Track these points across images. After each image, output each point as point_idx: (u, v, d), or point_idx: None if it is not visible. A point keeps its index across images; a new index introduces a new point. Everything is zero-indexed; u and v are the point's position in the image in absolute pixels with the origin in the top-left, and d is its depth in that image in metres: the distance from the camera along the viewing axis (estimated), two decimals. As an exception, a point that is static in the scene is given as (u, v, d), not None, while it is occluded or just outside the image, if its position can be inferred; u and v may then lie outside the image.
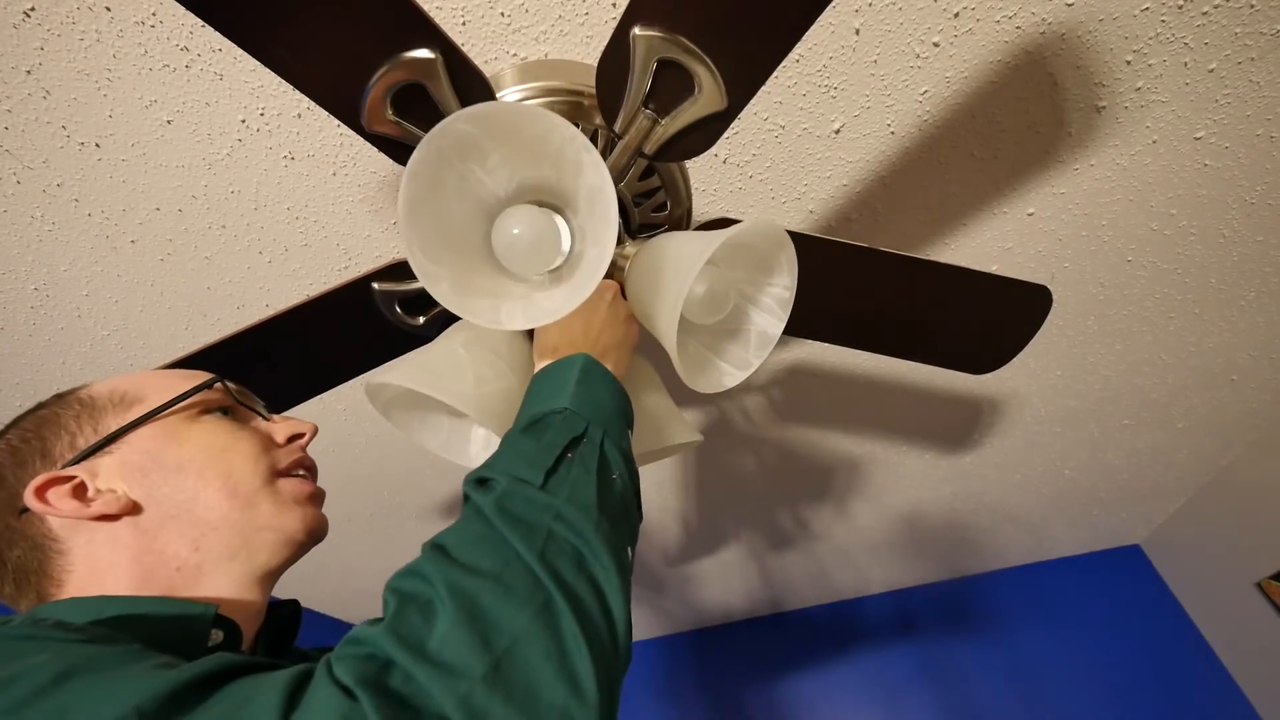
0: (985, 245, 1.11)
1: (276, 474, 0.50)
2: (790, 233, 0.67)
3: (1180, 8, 0.79)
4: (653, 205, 0.69)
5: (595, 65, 0.53)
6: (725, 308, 0.61)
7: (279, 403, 0.78)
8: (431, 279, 0.46)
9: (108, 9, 0.72)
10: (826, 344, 0.81)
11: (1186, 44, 0.83)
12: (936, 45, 0.82)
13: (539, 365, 0.56)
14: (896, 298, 0.75)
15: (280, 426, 0.54)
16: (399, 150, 0.55)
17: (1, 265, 0.96)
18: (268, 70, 0.48)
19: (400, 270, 0.69)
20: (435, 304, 0.72)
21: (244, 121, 0.83)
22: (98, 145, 0.84)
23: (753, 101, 0.59)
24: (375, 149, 0.55)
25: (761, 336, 0.63)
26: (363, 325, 0.72)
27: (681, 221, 0.72)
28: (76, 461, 0.45)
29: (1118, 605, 2.28)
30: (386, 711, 0.27)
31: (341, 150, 0.87)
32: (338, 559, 1.85)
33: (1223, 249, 1.15)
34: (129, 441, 0.46)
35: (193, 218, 0.94)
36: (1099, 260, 1.16)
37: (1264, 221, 1.10)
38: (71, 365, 1.13)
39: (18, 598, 0.44)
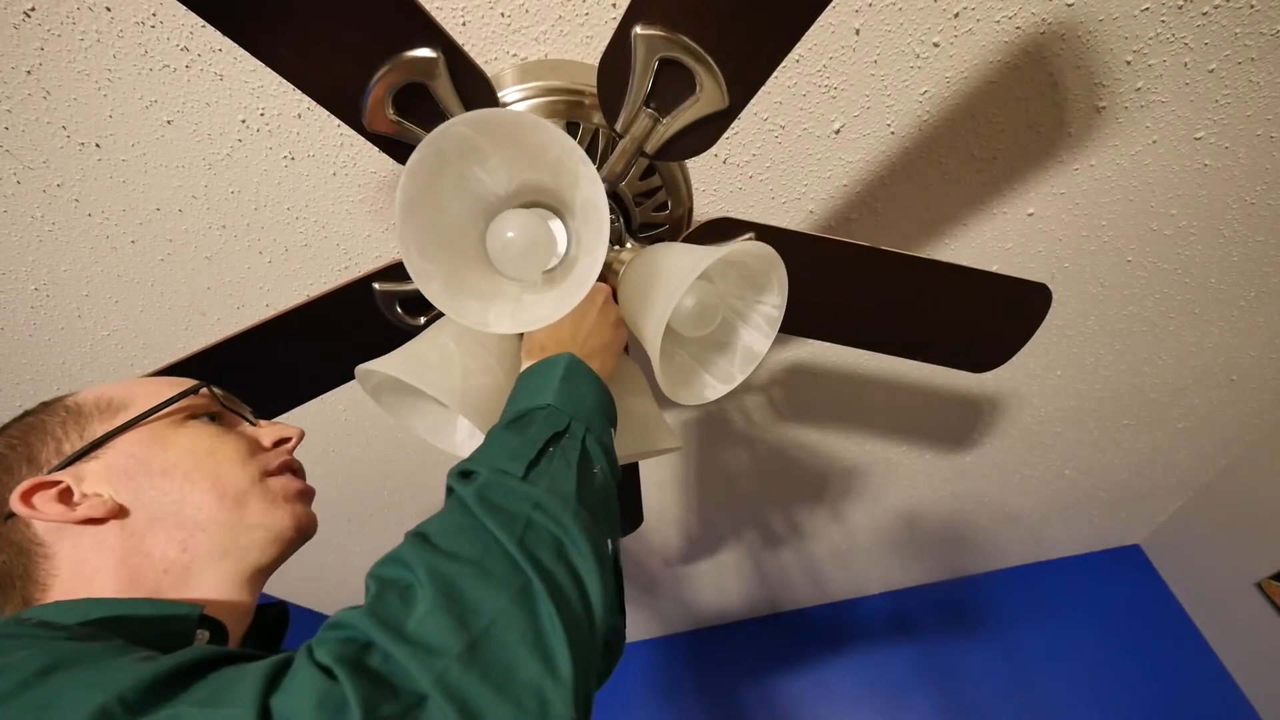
0: (985, 245, 1.11)
1: (265, 474, 0.51)
2: (791, 232, 0.67)
3: (1180, 8, 0.79)
4: (653, 205, 0.69)
5: (596, 65, 0.53)
6: (713, 322, 0.62)
7: (279, 403, 0.78)
8: (424, 277, 0.47)
9: (108, 9, 0.72)
10: (826, 343, 0.81)
11: (1186, 44, 0.83)
12: (936, 45, 0.82)
13: (526, 363, 0.57)
14: (896, 297, 0.75)
15: (266, 431, 0.55)
16: (400, 150, 0.55)
17: (1, 265, 0.96)
18: (268, 70, 0.48)
19: (401, 270, 0.69)
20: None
21: (244, 121, 0.83)
22: (98, 145, 0.84)
23: (753, 101, 0.59)
24: (375, 149, 0.55)
25: (747, 352, 0.63)
26: (363, 325, 0.72)
27: (682, 221, 0.72)
28: (62, 467, 0.45)
29: (1118, 605, 2.28)
30: (365, 690, 0.28)
31: (341, 150, 0.87)
32: (338, 559, 1.85)
33: (1223, 249, 1.15)
34: (114, 446, 0.47)
35: (193, 218, 0.94)
36: (1099, 260, 1.16)
37: (1264, 221, 1.10)
38: (71, 365, 1.13)
39: (3, 603, 0.45)
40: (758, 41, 0.49)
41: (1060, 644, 2.24)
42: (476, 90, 0.52)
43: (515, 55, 0.80)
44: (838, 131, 0.91)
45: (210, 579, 0.46)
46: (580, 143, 0.63)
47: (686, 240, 0.68)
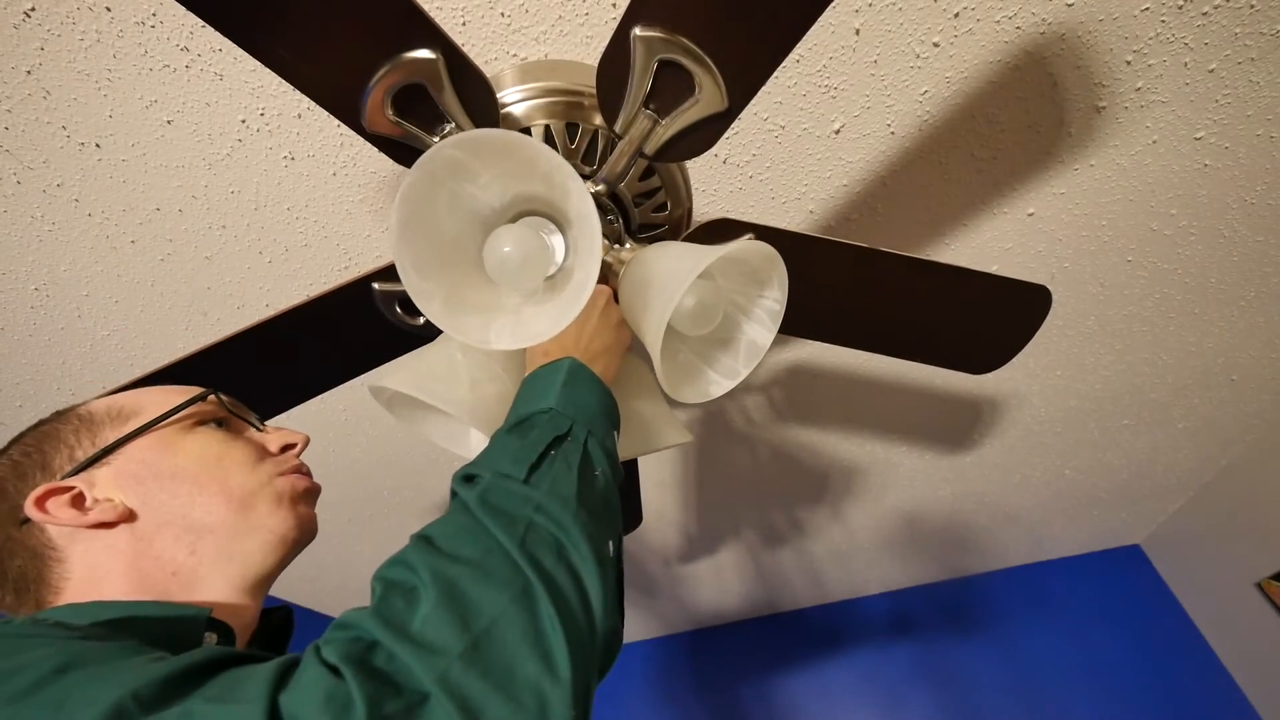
0: (985, 245, 1.11)
1: (273, 476, 0.52)
2: (791, 233, 0.67)
3: (1180, 8, 0.79)
4: (653, 205, 0.69)
5: (595, 66, 0.53)
6: (714, 320, 0.63)
7: (279, 402, 0.78)
8: (424, 297, 0.48)
9: (108, 9, 0.72)
10: (826, 344, 0.81)
11: (1186, 44, 0.83)
12: (936, 45, 0.82)
13: (530, 368, 0.58)
14: (896, 298, 0.75)
15: (273, 437, 0.56)
16: (399, 150, 0.55)
17: (1, 265, 0.96)
18: (268, 70, 0.48)
19: (400, 270, 0.69)
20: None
21: (244, 121, 0.83)
22: (98, 145, 0.84)
23: (753, 101, 0.59)
24: (375, 149, 0.55)
25: (751, 346, 0.64)
26: (363, 325, 0.72)
27: (681, 222, 0.72)
28: (75, 473, 0.46)
29: (1118, 605, 2.28)
30: (370, 687, 0.29)
31: (341, 150, 0.87)
32: (338, 559, 1.85)
33: (1223, 249, 1.15)
34: (125, 453, 0.48)
35: (193, 218, 0.94)
36: (1099, 260, 1.16)
37: (1264, 221, 1.10)
38: (71, 365, 1.13)
39: (17, 606, 0.46)
40: (757, 43, 0.49)
41: (1060, 644, 2.24)
42: (475, 91, 0.52)
43: (515, 55, 0.80)
44: (838, 131, 0.91)
45: (217, 582, 0.47)
46: (579, 144, 0.63)
47: (686, 241, 0.68)
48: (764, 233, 0.67)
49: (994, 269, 1.14)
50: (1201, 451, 1.85)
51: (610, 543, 0.45)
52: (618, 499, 0.50)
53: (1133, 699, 2.08)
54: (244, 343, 0.70)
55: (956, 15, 0.79)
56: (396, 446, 1.44)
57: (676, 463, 1.68)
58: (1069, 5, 0.79)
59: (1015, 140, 0.94)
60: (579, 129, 0.62)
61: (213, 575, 0.47)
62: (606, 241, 0.65)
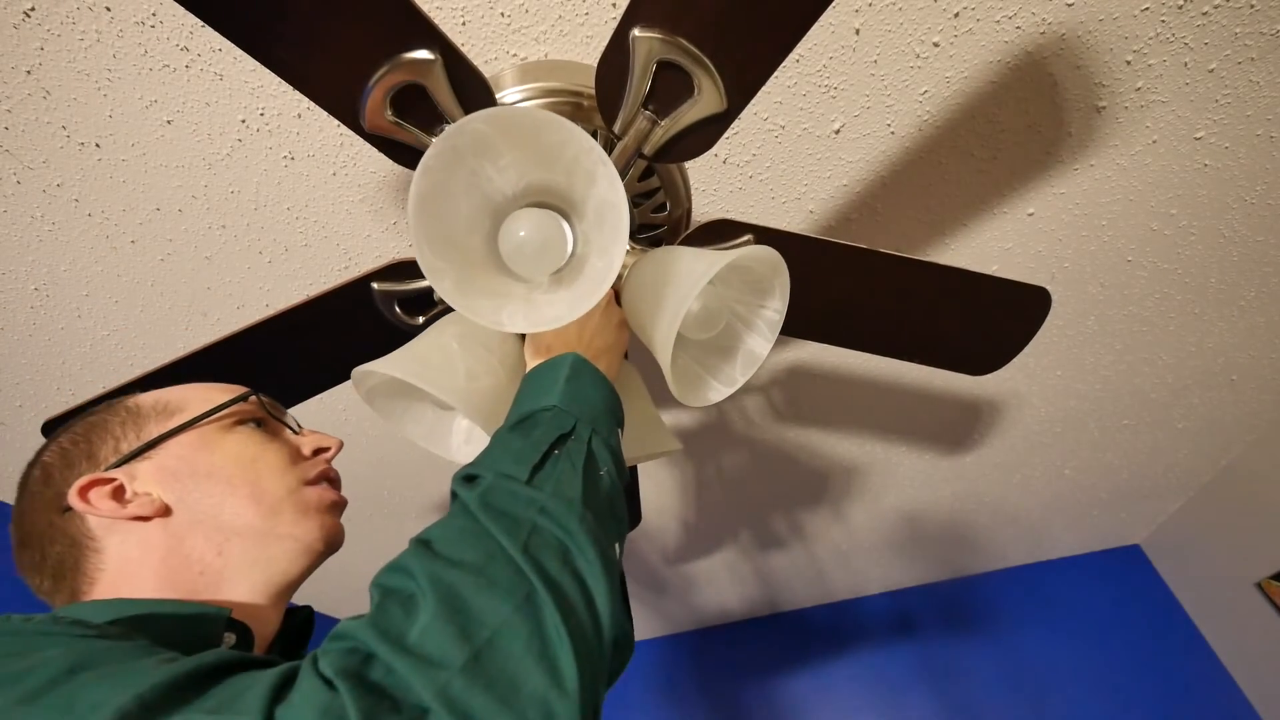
0: (985, 245, 1.11)
1: (302, 484, 0.53)
2: (790, 234, 0.67)
3: (1180, 8, 0.79)
4: (652, 206, 0.69)
5: (595, 66, 0.53)
6: (718, 325, 0.63)
7: (278, 402, 0.78)
8: (437, 274, 0.47)
9: (108, 9, 0.72)
10: (826, 344, 0.81)
11: (1186, 44, 0.83)
12: (936, 45, 0.82)
13: (531, 364, 0.57)
14: (896, 299, 0.75)
15: (308, 440, 0.57)
16: (399, 151, 0.55)
17: (1, 265, 0.96)
18: (268, 70, 0.48)
19: (400, 270, 0.69)
20: (435, 304, 0.72)
21: (244, 121, 0.83)
22: (98, 145, 0.84)
23: (753, 101, 0.59)
24: (375, 149, 0.55)
25: (749, 355, 0.64)
26: (363, 325, 0.72)
27: (681, 222, 0.72)
28: (118, 464, 0.48)
29: (1118, 605, 2.28)
30: (365, 702, 0.28)
31: (341, 150, 0.87)
32: (337, 559, 1.84)
33: (1223, 249, 1.15)
34: (167, 448, 0.49)
35: (193, 218, 0.94)
36: (1099, 260, 1.16)
37: (1264, 221, 1.10)
38: (71, 365, 1.13)
39: (54, 592, 0.47)
40: (756, 44, 0.49)
41: (1060, 644, 2.24)
42: (474, 91, 0.52)
43: (515, 55, 0.80)
44: (838, 131, 0.91)
45: (242, 585, 0.47)
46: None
47: (685, 242, 0.68)
48: (763, 234, 0.67)
49: (994, 269, 1.14)
50: (1201, 451, 1.85)
51: (616, 545, 0.44)
52: (623, 500, 0.49)
53: (1133, 699, 2.08)
54: (244, 342, 0.70)
55: (956, 15, 0.79)
56: (396, 447, 1.44)
57: (677, 463, 1.68)
58: (1069, 5, 0.79)
59: (1015, 140, 0.94)
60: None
61: (238, 578, 0.47)
62: None
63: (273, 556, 0.49)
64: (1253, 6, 0.79)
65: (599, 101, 0.55)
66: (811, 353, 1.33)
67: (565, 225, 0.55)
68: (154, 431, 0.50)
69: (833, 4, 0.47)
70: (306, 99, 0.52)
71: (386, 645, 0.31)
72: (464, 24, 0.76)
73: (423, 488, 1.61)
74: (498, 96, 0.60)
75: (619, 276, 0.63)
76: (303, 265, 1.03)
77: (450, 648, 0.31)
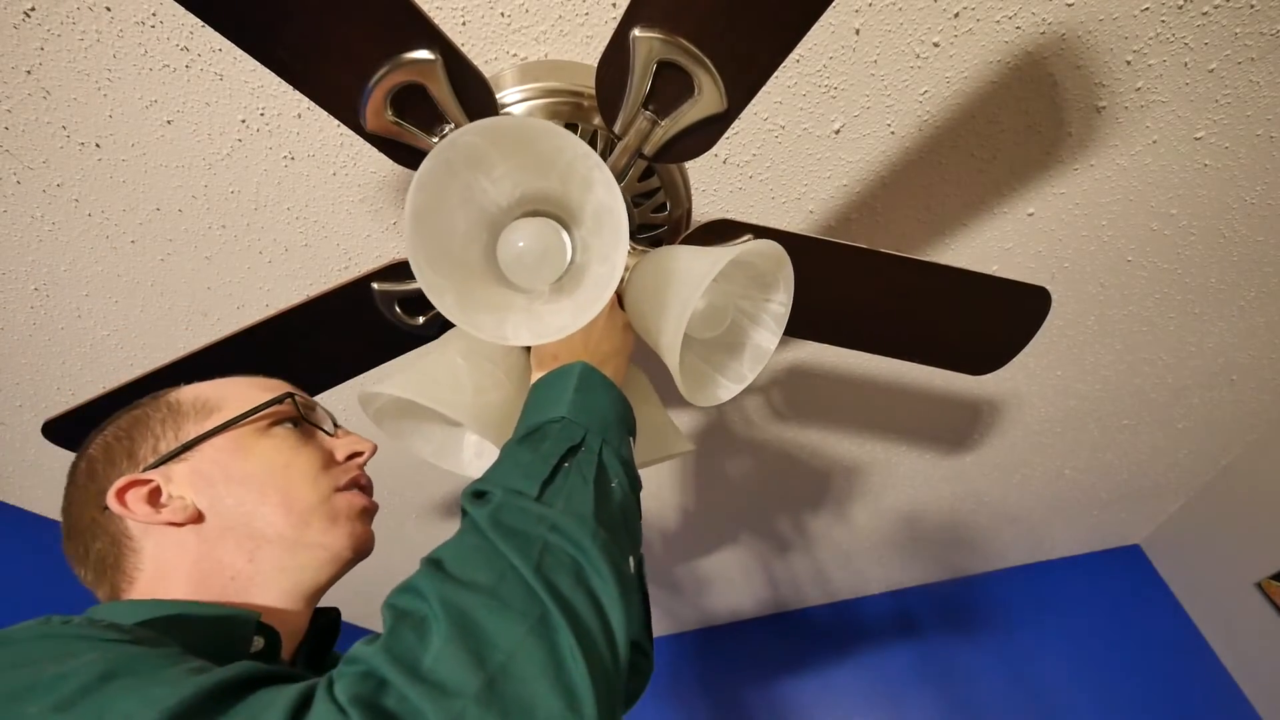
0: (985, 245, 1.11)
1: (333, 490, 0.53)
2: (790, 234, 0.67)
3: (1180, 8, 0.79)
4: (652, 206, 0.69)
5: (595, 66, 0.53)
6: (724, 323, 0.62)
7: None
8: (437, 292, 0.46)
9: (108, 9, 0.72)
10: (826, 344, 0.81)
11: (1186, 44, 0.83)
12: (936, 45, 0.82)
13: (537, 374, 0.56)
14: (896, 299, 0.75)
15: (342, 443, 0.57)
16: (399, 151, 0.55)
17: (1, 265, 0.96)
18: (268, 70, 0.48)
19: (400, 270, 0.69)
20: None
21: (244, 121, 0.83)
22: (98, 145, 0.84)
23: (753, 101, 0.59)
24: (375, 149, 0.55)
25: (756, 350, 0.63)
26: (363, 325, 0.72)
27: (681, 222, 0.72)
28: (155, 465, 0.48)
29: (1118, 605, 2.28)
30: None
31: (341, 150, 0.87)
32: (338, 558, 1.85)
33: (1223, 249, 1.15)
34: (202, 451, 0.49)
35: (193, 218, 0.94)
36: (1099, 260, 1.16)
37: (1264, 221, 1.10)
38: (71, 365, 1.13)
39: (96, 585, 0.49)
40: (756, 44, 0.49)
41: (1060, 644, 2.24)
42: (474, 92, 0.52)
43: (515, 55, 0.80)
44: (838, 131, 0.91)
45: (272, 591, 0.48)
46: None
47: (685, 242, 0.68)
48: (763, 234, 0.67)
49: (994, 269, 1.14)
50: (1201, 451, 1.85)
51: (630, 559, 0.43)
52: (636, 511, 0.48)
53: (1133, 699, 2.08)
54: (243, 342, 0.70)
55: (956, 15, 0.79)
56: (396, 448, 1.44)
57: (677, 463, 1.68)
58: (1069, 5, 0.79)
59: (1015, 140, 0.94)
60: (578, 129, 0.62)
61: (268, 584, 0.48)
62: None
63: (302, 565, 0.49)
64: (1253, 6, 0.79)
65: (599, 101, 0.55)
66: (811, 353, 1.33)
67: (563, 233, 0.55)
68: (191, 432, 0.50)
69: (833, 4, 0.47)
70: (306, 99, 0.52)
71: (400, 672, 0.30)
72: (464, 24, 0.76)
73: (423, 489, 1.61)
74: (498, 96, 0.59)
75: (622, 279, 0.63)
76: (303, 265, 1.03)
77: (464, 674, 0.30)
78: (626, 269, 0.63)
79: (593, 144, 0.63)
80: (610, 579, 0.38)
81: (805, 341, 1.28)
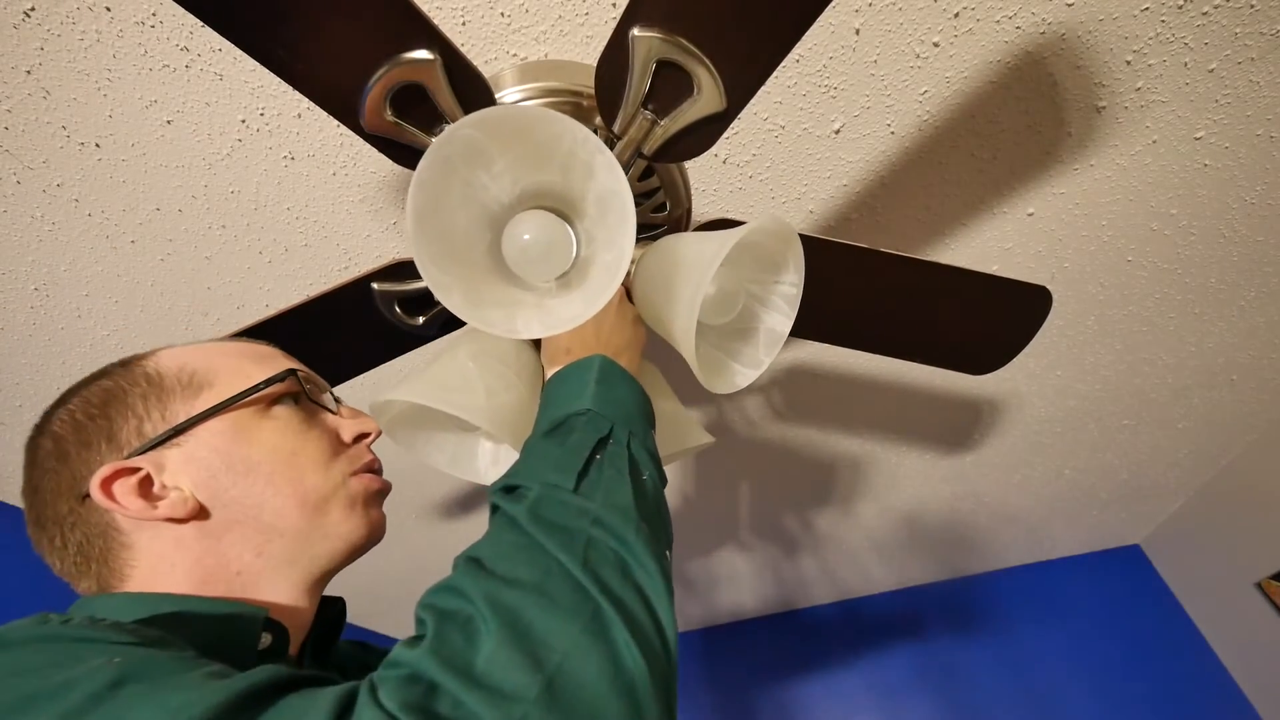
0: (985, 245, 1.11)
1: (346, 478, 0.49)
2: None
3: (1180, 8, 0.79)
4: (652, 205, 0.69)
5: (595, 66, 0.53)
6: (736, 308, 0.61)
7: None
8: (444, 290, 0.46)
9: (108, 9, 0.72)
10: (826, 344, 0.81)
11: (1186, 44, 0.83)
12: (936, 45, 0.82)
13: (550, 370, 0.55)
14: (896, 298, 0.75)
15: (348, 424, 0.52)
16: (398, 150, 0.55)
17: (1, 265, 0.96)
18: (268, 70, 0.48)
19: (400, 270, 0.69)
20: (434, 303, 0.72)
21: (244, 121, 0.83)
22: (98, 145, 0.84)
23: (753, 101, 0.59)
24: (375, 149, 0.55)
25: (770, 334, 0.62)
26: (362, 325, 0.72)
27: (681, 222, 0.72)
28: (143, 451, 0.43)
29: (1118, 605, 2.28)
30: None
31: (341, 150, 0.87)
32: (338, 558, 1.85)
33: (1223, 249, 1.15)
34: (197, 434, 0.44)
35: (193, 218, 0.94)
36: (1099, 260, 1.16)
37: (1264, 221, 1.10)
38: (71, 365, 1.13)
39: (76, 578, 0.44)
40: (756, 43, 0.49)
41: (1060, 644, 2.24)
42: (474, 91, 0.52)
43: (515, 55, 0.80)
44: (838, 131, 0.91)
45: (280, 585, 0.45)
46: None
47: (686, 240, 0.68)
48: (763, 233, 0.67)
49: (994, 269, 1.14)
50: (1201, 451, 1.84)
51: (667, 552, 0.42)
52: (666, 505, 0.47)
53: (1133, 699, 2.08)
54: (243, 343, 0.70)
55: (956, 15, 0.79)
56: (395, 447, 1.44)
57: (679, 463, 1.68)
58: (1069, 5, 0.79)
59: (1015, 140, 0.94)
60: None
61: (276, 577, 0.45)
62: None
63: (316, 555, 0.46)
64: (1253, 6, 0.79)
65: (599, 101, 0.55)
66: (812, 352, 1.33)
67: (567, 227, 0.55)
68: (180, 412, 0.44)
69: (833, 4, 0.47)
70: (306, 99, 0.52)
71: (451, 676, 0.29)
72: (464, 24, 0.76)
73: (423, 488, 1.61)
74: (497, 96, 0.60)
75: (628, 273, 0.63)
76: (303, 265, 1.03)
77: (522, 677, 0.29)
78: (633, 261, 0.62)
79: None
80: (656, 573, 0.37)
81: (806, 341, 1.28)
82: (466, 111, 0.52)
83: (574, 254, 0.54)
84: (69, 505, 0.43)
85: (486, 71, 0.60)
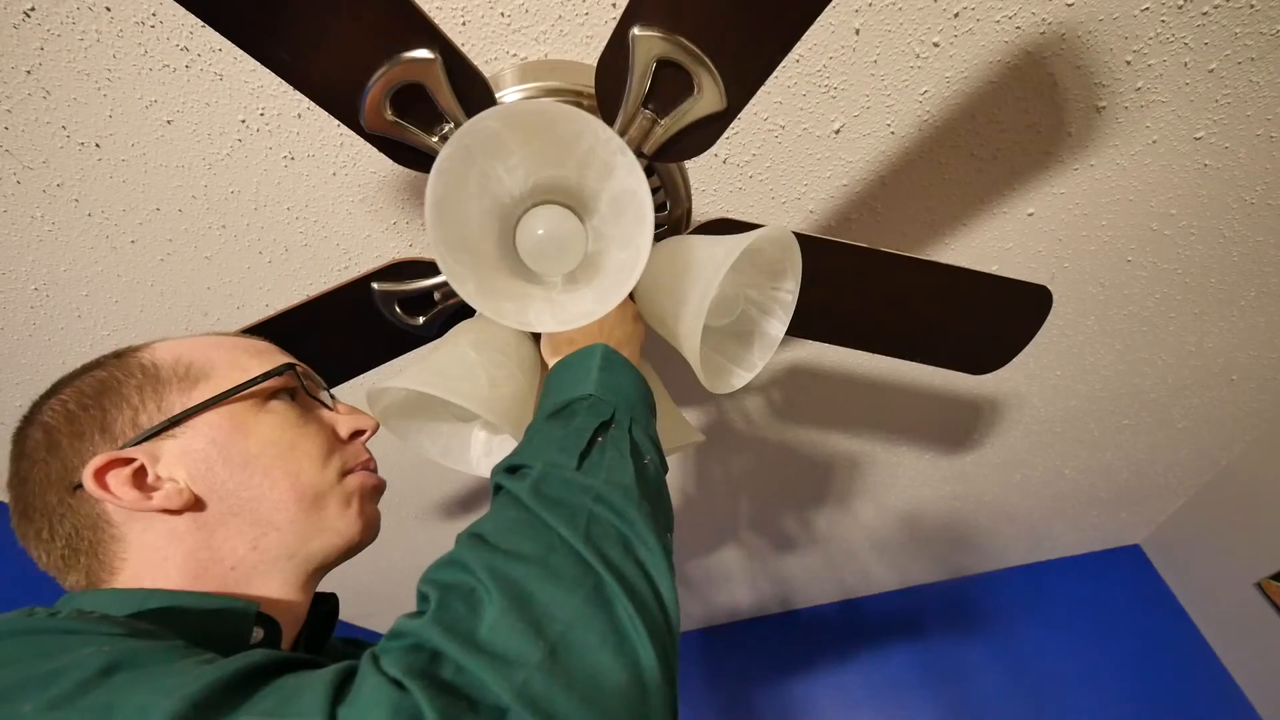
0: (985, 245, 1.11)
1: (342, 474, 0.50)
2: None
3: (1180, 8, 0.79)
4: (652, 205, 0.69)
5: (595, 66, 0.53)
6: (734, 311, 0.63)
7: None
8: (458, 279, 0.46)
9: (108, 9, 0.72)
10: (826, 344, 0.81)
11: (1186, 44, 0.83)
12: (936, 45, 0.82)
13: (553, 360, 0.56)
14: (896, 298, 0.75)
15: (344, 420, 0.52)
16: (398, 150, 0.55)
17: (1, 265, 0.96)
18: (268, 70, 0.48)
19: (400, 270, 0.69)
20: (435, 304, 0.72)
21: (244, 121, 0.83)
22: (98, 145, 0.84)
23: (753, 101, 0.60)
24: (375, 149, 0.55)
25: (765, 338, 0.64)
26: (362, 325, 0.72)
27: (681, 222, 0.72)
28: (138, 442, 0.43)
29: (1118, 605, 2.28)
30: (440, 701, 0.26)
31: (341, 150, 0.87)
32: (338, 559, 1.85)
33: (1223, 249, 1.15)
34: (193, 426, 0.44)
35: (193, 218, 0.94)
36: (1099, 260, 1.16)
37: (1264, 221, 1.10)
38: (71, 365, 1.12)
39: (65, 572, 0.43)
40: (756, 43, 0.49)
41: (1060, 644, 2.24)
42: (474, 91, 0.52)
43: (515, 55, 0.80)
44: (838, 131, 0.91)
45: (274, 579, 0.45)
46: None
47: (686, 240, 0.68)
48: (763, 233, 0.67)
49: (994, 269, 1.14)
50: (1201, 451, 1.84)
51: (669, 534, 0.43)
52: (668, 491, 0.47)
53: (1133, 699, 2.08)
54: (244, 343, 0.70)
55: (956, 15, 0.79)
56: (394, 447, 1.44)
57: (679, 463, 1.68)
58: (1069, 5, 0.79)
59: (1015, 140, 0.94)
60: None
61: (271, 571, 0.45)
62: None
63: (311, 550, 0.46)
64: (1253, 6, 0.79)
65: (599, 100, 0.55)
66: (812, 352, 1.33)
67: (580, 223, 0.55)
68: (176, 403, 0.44)
69: (833, 4, 0.47)
70: (306, 99, 0.52)
71: (455, 643, 0.29)
72: (464, 24, 0.76)
73: (423, 488, 1.61)
74: (497, 96, 0.59)
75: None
76: (303, 265, 1.03)
77: (524, 644, 0.29)
78: None
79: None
80: (657, 549, 0.37)
81: (806, 341, 1.28)
82: (467, 110, 0.52)
83: (584, 250, 0.55)
84: (59, 496, 0.43)
85: (487, 71, 0.60)
